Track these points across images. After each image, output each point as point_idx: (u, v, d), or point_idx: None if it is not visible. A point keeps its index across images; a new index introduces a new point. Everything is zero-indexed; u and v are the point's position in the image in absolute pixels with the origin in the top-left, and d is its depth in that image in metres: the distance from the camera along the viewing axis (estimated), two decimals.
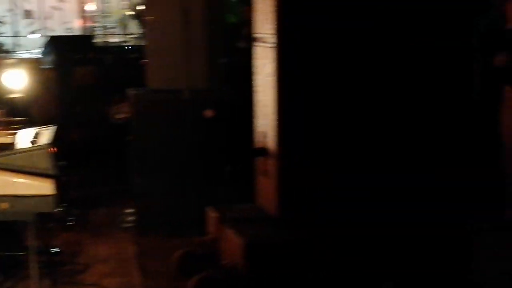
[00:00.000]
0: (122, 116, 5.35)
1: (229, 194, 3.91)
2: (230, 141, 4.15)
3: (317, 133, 2.92)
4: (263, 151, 3.12)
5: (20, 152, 2.80)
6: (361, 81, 2.90)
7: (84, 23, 10.91)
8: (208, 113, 4.42)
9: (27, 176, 2.73)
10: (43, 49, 6.44)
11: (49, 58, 6.13)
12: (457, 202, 2.94)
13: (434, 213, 2.93)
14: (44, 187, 2.74)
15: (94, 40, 7.45)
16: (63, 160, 3.04)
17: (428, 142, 2.97)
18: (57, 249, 3.62)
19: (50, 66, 6.07)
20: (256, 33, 3.19)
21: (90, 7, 11.11)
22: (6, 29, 10.27)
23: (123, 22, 10.33)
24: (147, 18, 4.73)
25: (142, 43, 5.45)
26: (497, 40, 5.15)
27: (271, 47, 2.96)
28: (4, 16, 10.42)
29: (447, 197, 2.94)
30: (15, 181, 2.72)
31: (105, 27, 10.83)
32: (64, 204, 2.98)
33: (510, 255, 4.56)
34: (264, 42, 3.07)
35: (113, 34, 10.53)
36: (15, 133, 3.20)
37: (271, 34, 2.95)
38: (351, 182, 2.90)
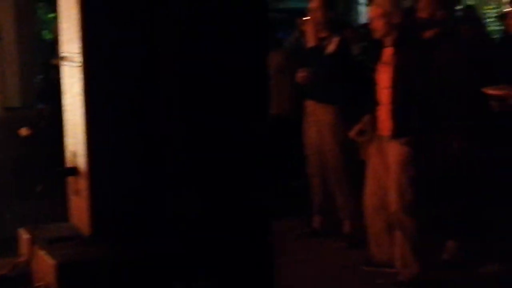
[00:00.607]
0: None
1: (43, 213, 3.80)
2: (43, 159, 4.03)
3: (125, 151, 2.89)
4: (73, 171, 3.06)
5: None
6: (161, 95, 2.88)
7: None
8: (23, 131, 4.27)
9: None
10: None
11: None
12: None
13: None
14: None
15: None
16: None
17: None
18: None
19: None
20: (62, 52, 3.12)
21: None
22: None
23: None
24: None
25: None
26: (299, 57, 5.39)
27: (77, 66, 2.91)
28: None
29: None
30: None
31: None
32: None
33: (313, 260, 4.83)
34: (70, 61, 3.01)
35: None
36: None
37: (77, 53, 2.89)
38: (160, 201, 2.89)
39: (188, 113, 2.70)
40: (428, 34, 4.51)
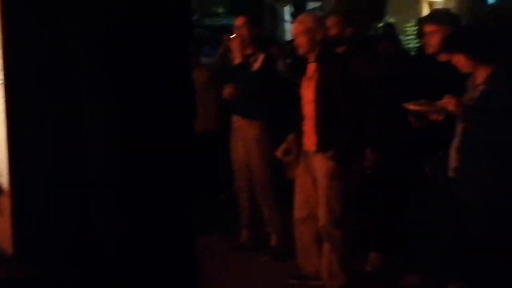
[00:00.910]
0: None
1: None
2: None
3: (48, 170, 2.82)
4: None
5: None
6: (85, 116, 2.83)
7: None
8: None
9: None
10: None
11: None
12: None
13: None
14: None
15: None
16: None
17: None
18: None
19: None
20: None
21: None
22: None
23: None
24: None
25: None
26: (225, 74, 5.41)
27: (0, 84, 2.83)
28: None
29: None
30: None
31: None
32: None
33: (241, 274, 4.84)
34: None
35: None
36: None
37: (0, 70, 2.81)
38: (84, 220, 2.83)
39: (113, 132, 2.66)
40: (339, 50, 4.63)
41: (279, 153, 4.69)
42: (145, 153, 2.68)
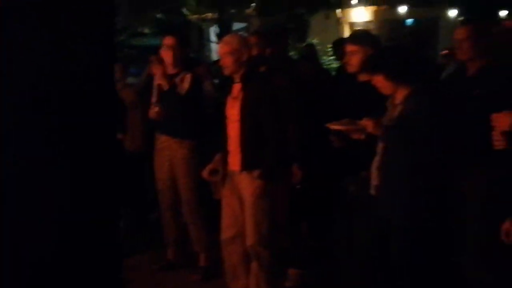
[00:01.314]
0: None
1: None
2: None
3: None
4: None
5: None
6: None
7: None
8: None
9: None
10: None
11: None
12: None
13: None
14: None
15: None
16: None
17: None
18: None
19: None
20: None
21: None
22: None
23: None
24: None
25: None
26: (152, 93, 5.34)
27: None
28: None
29: None
30: None
31: None
32: None
33: None
34: None
35: None
36: None
37: None
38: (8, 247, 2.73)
39: (36, 153, 2.58)
40: (261, 70, 4.67)
41: (205, 173, 4.66)
42: (69, 171, 2.61)
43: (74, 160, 2.52)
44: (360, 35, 4.63)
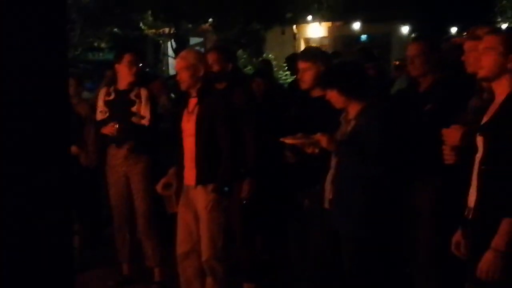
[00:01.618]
0: None
1: None
2: None
3: None
4: None
5: None
6: None
7: None
8: None
9: None
10: None
11: None
12: None
13: None
14: None
15: None
16: None
17: None
18: None
19: None
20: None
21: None
22: None
23: None
24: None
25: None
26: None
27: None
28: None
29: None
30: None
31: None
32: None
33: None
34: None
35: None
36: None
37: None
38: None
39: None
40: (220, 86, 4.70)
41: (159, 187, 4.64)
42: (20, 187, 2.57)
43: (26, 173, 2.48)
44: (311, 52, 4.66)
